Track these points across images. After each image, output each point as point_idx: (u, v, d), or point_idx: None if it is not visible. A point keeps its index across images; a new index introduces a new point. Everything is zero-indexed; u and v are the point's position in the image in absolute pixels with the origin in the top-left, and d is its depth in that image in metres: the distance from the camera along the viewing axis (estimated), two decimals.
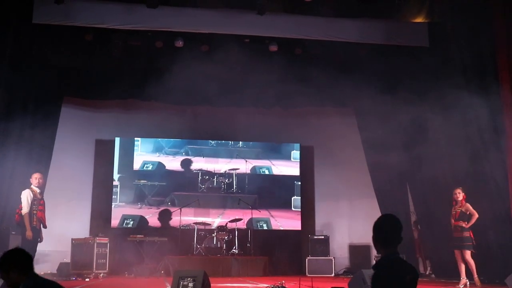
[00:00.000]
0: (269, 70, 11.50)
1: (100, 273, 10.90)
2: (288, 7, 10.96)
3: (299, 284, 7.75)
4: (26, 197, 8.31)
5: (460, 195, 9.16)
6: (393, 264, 3.22)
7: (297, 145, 13.82)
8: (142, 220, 12.80)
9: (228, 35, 11.19)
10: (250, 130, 13.58)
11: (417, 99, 11.07)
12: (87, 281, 10.27)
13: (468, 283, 8.99)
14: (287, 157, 13.49)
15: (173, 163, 13.25)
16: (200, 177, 13.16)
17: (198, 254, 12.01)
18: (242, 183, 13.29)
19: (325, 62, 11.61)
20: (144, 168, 12.93)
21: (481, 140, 10.11)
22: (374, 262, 11.02)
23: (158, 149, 13.15)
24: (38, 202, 8.39)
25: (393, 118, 11.42)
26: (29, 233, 8.17)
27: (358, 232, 12.93)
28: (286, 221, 13.31)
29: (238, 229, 12.47)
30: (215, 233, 12.19)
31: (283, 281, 8.22)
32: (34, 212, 8.29)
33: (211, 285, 6.75)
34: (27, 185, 8.52)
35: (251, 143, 13.77)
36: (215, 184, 13.33)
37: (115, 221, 12.77)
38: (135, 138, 13.29)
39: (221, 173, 13.44)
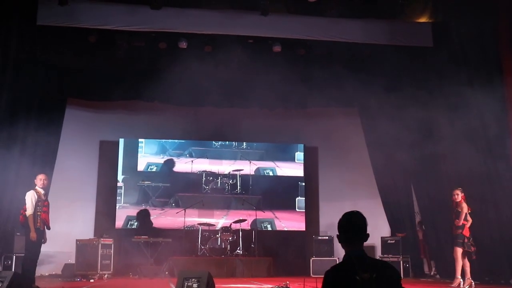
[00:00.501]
0: (273, 70, 11.48)
1: (105, 274, 10.91)
2: (291, 7, 10.96)
3: (304, 284, 7.74)
4: (30, 198, 8.29)
5: (458, 196, 9.07)
6: (348, 263, 3.04)
7: (301, 146, 13.82)
8: (146, 221, 12.79)
9: (232, 35, 11.18)
10: (254, 131, 13.58)
11: (421, 99, 11.06)
12: (91, 282, 10.29)
13: (462, 282, 8.94)
14: (291, 159, 13.51)
15: (176, 165, 13.28)
16: (204, 178, 13.19)
17: (203, 255, 12.01)
18: (246, 184, 13.31)
19: (329, 63, 11.59)
20: (149, 169, 12.94)
21: (486, 140, 10.09)
22: None
23: (162, 151, 13.18)
24: (42, 204, 8.38)
25: (398, 119, 11.39)
26: (33, 235, 8.17)
27: None
28: (290, 222, 13.34)
29: (243, 230, 12.47)
30: (219, 234, 12.20)
31: (288, 282, 8.22)
32: (38, 213, 8.29)
33: (216, 285, 6.74)
34: (32, 187, 8.53)
35: (255, 144, 13.78)
36: (219, 185, 13.35)
37: (119, 222, 12.79)
38: (139, 140, 13.29)
39: (225, 174, 13.47)
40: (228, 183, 13.37)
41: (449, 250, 9.20)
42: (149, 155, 13.08)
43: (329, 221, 13.56)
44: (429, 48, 11.37)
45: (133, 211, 12.93)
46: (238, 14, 10.87)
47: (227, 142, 13.72)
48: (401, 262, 11.52)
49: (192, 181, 13.20)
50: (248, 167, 13.44)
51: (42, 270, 11.11)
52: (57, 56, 11.07)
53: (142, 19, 10.65)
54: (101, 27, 10.75)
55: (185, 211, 12.45)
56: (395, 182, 12.81)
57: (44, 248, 8.65)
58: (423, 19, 11.31)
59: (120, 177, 13.03)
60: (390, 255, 11.69)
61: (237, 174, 13.44)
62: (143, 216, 12.87)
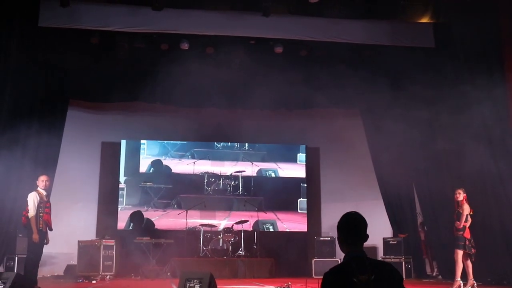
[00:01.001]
0: (274, 71, 11.50)
1: (107, 275, 10.92)
2: (293, 8, 10.96)
3: (306, 285, 7.74)
4: (32, 200, 8.30)
5: (460, 195, 9.05)
6: (347, 264, 3.00)
7: (303, 148, 13.84)
8: (148, 222, 12.81)
9: (233, 37, 11.19)
10: (256, 132, 13.59)
11: (423, 100, 11.04)
12: (93, 283, 10.29)
13: (462, 285, 8.92)
14: (293, 160, 13.53)
15: (178, 166, 13.29)
16: (206, 180, 13.20)
17: (205, 256, 12.02)
18: (248, 185, 13.35)
19: (331, 64, 11.59)
20: (151, 171, 12.93)
21: (488, 140, 10.08)
22: None
23: (164, 153, 13.19)
24: (44, 205, 8.39)
25: (400, 119, 11.38)
26: (35, 236, 8.17)
27: None
28: (292, 223, 13.37)
29: (244, 231, 12.48)
30: (221, 235, 12.20)
31: (290, 283, 8.22)
32: (41, 214, 8.29)
33: (218, 287, 6.74)
34: (34, 188, 8.54)
35: (256, 145, 13.82)
36: (221, 186, 13.38)
37: (121, 223, 12.80)
38: (142, 142, 13.31)
39: (227, 176, 13.50)
40: (230, 185, 13.40)
41: (451, 251, 9.18)
42: (151, 157, 13.09)
43: (331, 222, 13.54)
44: (431, 48, 11.36)
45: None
46: (239, 15, 10.88)
47: (229, 144, 13.74)
48: (403, 263, 11.50)
49: (194, 182, 13.23)
50: (250, 169, 13.48)
51: (44, 271, 11.11)
52: (59, 58, 11.09)
53: (143, 20, 10.67)
54: (102, 28, 10.77)
55: (186, 212, 12.49)
56: (397, 183, 12.77)
57: (46, 249, 8.65)
58: (424, 20, 11.31)
59: (122, 178, 13.03)
60: (392, 256, 11.67)
61: (239, 176, 13.48)
62: (139, 218, 12.82)
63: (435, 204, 11.78)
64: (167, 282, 10.41)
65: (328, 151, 14.16)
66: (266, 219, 13.04)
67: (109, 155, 13.38)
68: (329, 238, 12.56)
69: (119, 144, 13.37)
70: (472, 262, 8.93)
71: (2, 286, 6.61)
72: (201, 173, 13.35)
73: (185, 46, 11.35)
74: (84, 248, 11.13)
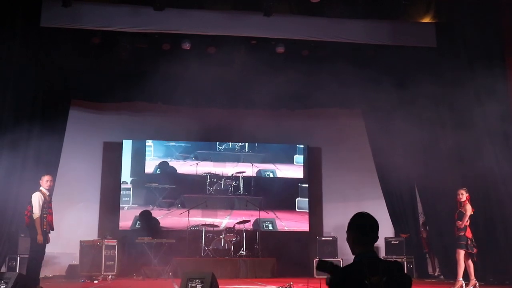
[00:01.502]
0: (276, 71, 11.49)
1: (109, 275, 10.93)
2: (294, 8, 10.95)
3: (307, 285, 7.73)
4: (37, 200, 8.25)
5: (463, 196, 9.04)
6: (358, 265, 3.00)
7: (300, 149, 13.96)
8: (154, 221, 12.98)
9: (235, 36, 11.19)
10: (258, 132, 13.57)
11: (425, 100, 11.04)
12: (95, 283, 10.31)
13: (464, 284, 8.91)
14: (291, 161, 13.73)
15: (183, 167, 13.52)
16: (208, 180, 13.43)
17: (206, 255, 12.03)
18: (248, 185, 13.55)
19: (332, 64, 11.56)
20: (157, 172, 13.18)
21: (490, 139, 10.07)
22: None
23: (169, 154, 13.40)
24: (47, 205, 8.39)
25: (402, 119, 11.37)
26: (40, 237, 8.16)
27: None
28: (291, 221, 13.50)
29: (246, 231, 12.50)
30: (223, 235, 12.22)
31: (291, 283, 8.22)
32: (44, 215, 8.30)
33: (219, 286, 6.75)
34: (36, 188, 8.53)
35: (256, 147, 13.97)
36: (222, 186, 13.54)
37: (128, 222, 12.92)
38: (148, 144, 13.45)
39: (229, 176, 13.64)
40: (231, 185, 13.58)
41: (453, 251, 9.19)
42: (157, 158, 13.29)
43: (332, 222, 13.56)
44: (433, 48, 11.35)
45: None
46: (241, 15, 10.87)
47: (230, 146, 13.90)
48: (405, 262, 11.50)
49: (197, 182, 13.40)
50: (250, 169, 13.68)
51: (46, 271, 11.12)
52: (61, 58, 11.10)
53: (145, 20, 10.67)
54: (104, 28, 10.77)
55: (188, 212, 12.54)
56: (398, 182, 12.78)
57: (48, 249, 8.66)
58: (426, 19, 11.29)
59: (128, 179, 13.16)
60: (393, 256, 11.67)
61: (239, 176, 13.63)
62: (148, 216, 12.90)
63: (437, 204, 11.77)
64: (169, 282, 10.42)
65: (330, 151, 14.17)
66: (265, 217, 13.19)
67: (111, 155, 13.39)
68: (330, 238, 12.56)
69: (121, 144, 13.39)
70: (473, 261, 8.92)
71: (4, 286, 6.62)
72: (204, 173, 13.49)
73: (186, 46, 11.35)
74: (86, 248, 11.14)
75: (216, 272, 7.07)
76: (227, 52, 11.22)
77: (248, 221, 12.76)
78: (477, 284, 8.88)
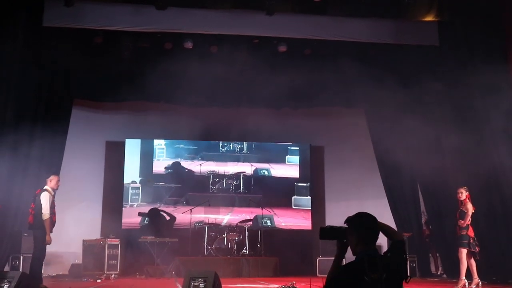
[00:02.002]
0: (278, 70, 11.48)
1: (112, 274, 10.95)
2: (297, 7, 10.94)
3: (310, 284, 7.73)
4: (47, 200, 8.25)
5: (462, 194, 9.04)
6: (359, 262, 3.02)
7: (292, 151, 14.31)
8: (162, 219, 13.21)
9: (237, 35, 11.19)
10: (260, 131, 13.57)
11: (427, 98, 11.03)
12: (98, 282, 10.32)
13: (466, 283, 8.90)
14: (282, 161, 14.26)
15: (190, 168, 14.01)
16: (211, 180, 13.83)
17: (209, 254, 12.05)
18: (248, 184, 13.97)
19: (335, 62, 11.57)
20: (169, 171, 13.68)
21: (492, 138, 10.05)
22: None
23: (179, 155, 13.89)
24: (52, 205, 8.43)
25: (404, 118, 11.36)
26: (49, 238, 8.19)
27: None
28: (287, 218, 13.83)
29: (249, 230, 12.53)
30: (225, 234, 12.23)
31: (294, 282, 8.21)
32: (51, 215, 8.35)
33: (222, 285, 6.75)
34: (40, 186, 8.54)
35: (253, 148, 14.30)
36: (224, 185, 13.87)
37: (137, 219, 13.14)
38: (160, 147, 13.83)
39: (230, 176, 13.98)
40: (232, 184, 13.97)
41: (455, 250, 9.17)
42: (169, 159, 13.74)
43: (335, 221, 13.30)
44: (435, 47, 11.33)
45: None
46: (243, 14, 10.87)
47: (231, 147, 14.22)
48: (408, 261, 11.49)
49: (201, 182, 13.78)
50: (249, 169, 14.08)
51: (49, 270, 11.16)
52: (63, 57, 11.09)
53: (147, 20, 10.67)
54: (106, 28, 10.79)
55: (191, 211, 12.66)
56: (401, 181, 12.78)
57: (51, 248, 8.69)
58: (429, 18, 11.26)
59: (137, 178, 13.51)
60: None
61: (240, 176, 13.98)
62: (156, 214, 13.09)
63: (440, 203, 11.76)
64: (171, 281, 10.43)
65: (332, 150, 14.17)
66: (264, 214, 13.46)
67: (114, 154, 13.42)
68: None
69: (123, 143, 13.42)
70: (476, 260, 8.91)
71: (7, 285, 6.62)
72: (208, 172, 13.86)
73: (189, 45, 11.36)
74: (89, 247, 11.17)
75: (218, 271, 7.06)
76: (229, 51, 11.21)
77: (251, 220, 12.98)
78: (480, 283, 8.87)
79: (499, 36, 10.29)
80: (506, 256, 9.92)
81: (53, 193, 8.46)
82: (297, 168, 14.15)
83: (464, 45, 10.72)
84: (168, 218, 12.96)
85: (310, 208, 13.88)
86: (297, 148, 14.24)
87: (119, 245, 11.39)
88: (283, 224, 13.65)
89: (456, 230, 9.11)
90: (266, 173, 14.04)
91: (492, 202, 10.21)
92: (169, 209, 13.20)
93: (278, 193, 13.93)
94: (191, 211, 12.60)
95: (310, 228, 13.64)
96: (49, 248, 8.48)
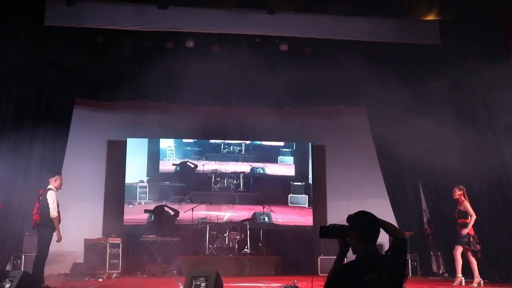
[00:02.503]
0: (280, 69, 11.48)
1: (113, 273, 10.95)
2: (298, 6, 10.94)
3: (312, 283, 7.73)
4: (54, 199, 8.31)
5: (455, 193, 9.09)
6: (359, 262, 3.01)
7: (283, 152, 14.66)
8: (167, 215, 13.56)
9: (238, 35, 11.19)
10: (261, 130, 13.61)
11: (429, 97, 11.01)
12: (100, 281, 10.33)
13: (463, 280, 8.91)
14: (275, 161, 14.67)
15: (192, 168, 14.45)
16: (213, 179, 14.20)
17: (211, 254, 12.05)
18: (247, 183, 14.33)
19: (336, 61, 11.56)
20: (178, 169, 14.07)
21: (494, 136, 10.04)
22: None
23: (186, 156, 14.26)
24: (58, 204, 8.47)
25: (405, 117, 11.35)
26: (59, 235, 8.24)
27: None
28: (284, 214, 14.11)
29: (250, 229, 12.54)
30: (227, 233, 12.24)
31: (296, 281, 8.21)
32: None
33: (224, 285, 6.75)
34: (41, 186, 8.54)
35: (250, 149, 14.53)
36: (225, 184, 14.14)
37: (144, 216, 13.33)
38: (170, 149, 14.15)
39: (230, 175, 14.26)
40: (232, 183, 14.28)
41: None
42: (178, 159, 14.09)
43: (337, 220, 13.38)
44: (437, 46, 11.31)
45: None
46: (244, 13, 10.87)
47: (231, 149, 14.50)
48: (410, 260, 11.49)
49: (204, 181, 14.11)
50: (247, 168, 14.45)
51: (50, 269, 11.12)
52: (65, 57, 11.07)
53: (149, 19, 10.67)
54: (108, 27, 10.78)
55: (192, 210, 12.91)
56: (403, 180, 12.77)
57: (53, 248, 8.67)
58: (430, 17, 11.26)
59: (145, 178, 13.77)
60: None
61: (240, 175, 14.26)
62: (161, 211, 13.38)
63: (441, 202, 11.74)
64: (173, 280, 10.44)
65: (333, 149, 14.17)
66: (262, 211, 13.74)
67: (115, 153, 13.43)
68: None
69: (125, 142, 13.43)
70: (477, 258, 8.90)
71: (9, 284, 6.63)
72: (212, 170, 14.19)
73: (190, 44, 11.36)
74: (91, 246, 11.17)
75: (220, 270, 7.06)
76: (230, 50, 11.22)
77: (253, 219, 13.14)
78: (482, 281, 8.86)
79: (500, 34, 10.27)
80: (508, 255, 9.90)
81: (56, 192, 8.50)
82: (289, 167, 14.51)
83: (465, 44, 10.70)
84: (172, 213, 13.31)
85: (305, 206, 14.19)
86: (289, 149, 14.72)
87: (121, 244, 11.40)
88: (280, 220, 13.93)
89: (456, 229, 9.12)
90: (261, 171, 14.49)
91: (494, 201, 10.19)
92: (174, 207, 13.49)
93: (275, 191, 14.29)
94: (192, 210, 12.75)
95: (305, 224, 13.89)
96: (50, 247, 8.48)
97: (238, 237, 12.27)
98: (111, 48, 11.48)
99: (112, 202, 13.19)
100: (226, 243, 12.17)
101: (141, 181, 13.72)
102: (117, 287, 9.44)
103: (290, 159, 14.58)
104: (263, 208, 13.59)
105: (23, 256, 10.48)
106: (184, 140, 14.26)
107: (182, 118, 13.63)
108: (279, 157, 14.60)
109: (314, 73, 11.85)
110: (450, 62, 10.97)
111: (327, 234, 3.31)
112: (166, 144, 14.14)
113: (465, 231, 8.87)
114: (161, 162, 13.95)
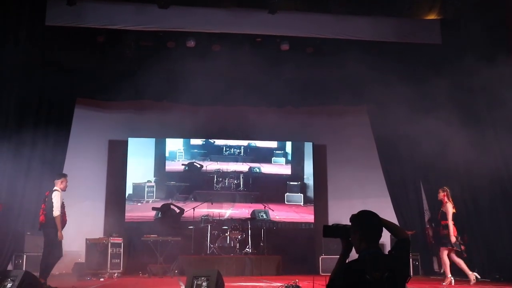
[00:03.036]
0: (281, 69, 11.48)
1: (115, 273, 10.96)
2: (299, 5, 10.93)
3: (313, 283, 7.73)
4: (58, 199, 8.37)
5: (439, 195, 9.23)
6: (361, 261, 3.02)
7: (276, 153, 14.87)
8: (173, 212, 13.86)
9: (240, 34, 11.19)
10: (262, 129, 13.60)
11: (430, 96, 11.00)
12: (101, 281, 10.33)
13: (453, 280, 8.95)
14: (269, 161, 14.96)
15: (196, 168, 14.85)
16: (215, 179, 14.47)
17: (212, 253, 12.05)
18: (247, 183, 14.60)
19: (337, 61, 11.55)
20: (186, 169, 14.49)
21: (495, 136, 10.03)
22: None
23: (193, 157, 14.57)
24: (63, 205, 8.51)
25: (407, 116, 11.33)
26: (60, 234, 8.29)
27: None
28: (281, 212, 14.35)
29: (251, 228, 12.53)
30: (228, 233, 12.24)
31: (297, 280, 8.21)
32: (62, 215, 8.42)
33: (225, 284, 6.75)
34: (42, 185, 8.56)
35: (248, 151, 14.72)
36: (226, 184, 14.33)
37: (152, 213, 13.55)
38: (179, 151, 14.45)
39: (231, 176, 14.47)
40: (233, 183, 14.52)
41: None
42: (186, 160, 14.45)
43: (338, 219, 13.52)
44: (438, 45, 11.30)
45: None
46: (245, 12, 10.87)
47: (231, 151, 14.71)
48: (411, 260, 11.49)
49: (207, 181, 14.39)
50: (246, 168, 14.73)
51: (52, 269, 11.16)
52: (66, 56, 11.11)
53: (150, 19, 10.68)
54: (109, 27, 10.79)
55: (194, 209, 13.08)
56: (404, 179, 12.76)
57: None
58: (431, 16, 11.25)
59: (152, 178, 14.01)
60: None
61: (240, 175, 14.47)
62: (167, 209, 13.65)
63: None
64: (174, 279, 10.43)
65: (335, 149, 14.16)
66: (260, 209, 14.08)
67: (116, 153, 13.43)
68: None
69: (126, 142, 13.43)
70: (463, 258, 8.99)
71: (11, 284, 6.63)
72: (215, 170, 14.44)
73: (191, 43, 11.36)
74: (92, 246, 11.17)
75: (221, 270, 7.07)
76: (231, 49, 11.22)
77: (254, 218, 13.28)
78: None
79: (502, 33, 10.26)
80: (508, 254, 9.89)
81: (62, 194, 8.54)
82: (283, 167, 14.79)
83: (467, 43, 10.69)
84: (178, 211, 13.57)
85: (300, 204, 14.42)
86: (281, 151, 14.99)
87: (122, 244, 11.40)
88: (277, 217, 14.20)
89: (439, 230, 9.21)
90: (258, 170, 14.83)
91: (495, 201, 10.18)
92: (179, 205, 13.74)
93: (273, 191, 14.63)
94: (194, 210, 12.90)
95: (300, 220, 14.08)
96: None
97: (239, 237, 12.27)
98: (112, 48, 11.49)
99: (113, 202, 13.20)
100: (227, 242, 12.18)
101: (149, 181, 13.96)
102: (119, 286, 9.44)
103: (282, 160, 14.95)
104: (264, 207, 13.83)
105: (25, 256, 10.49)
106: (192, 143, 14.51)
107: (183, 117, 13.63)
108: (272, 158, 14.99)
109: (315, 72, 11.85)
110: (451, 61, 10.96)
111: (330, 233, 3.31)
112: (176, 146, 14.48)
113: (447, 232, 8.98)
114: (170, 163, 14.34)
